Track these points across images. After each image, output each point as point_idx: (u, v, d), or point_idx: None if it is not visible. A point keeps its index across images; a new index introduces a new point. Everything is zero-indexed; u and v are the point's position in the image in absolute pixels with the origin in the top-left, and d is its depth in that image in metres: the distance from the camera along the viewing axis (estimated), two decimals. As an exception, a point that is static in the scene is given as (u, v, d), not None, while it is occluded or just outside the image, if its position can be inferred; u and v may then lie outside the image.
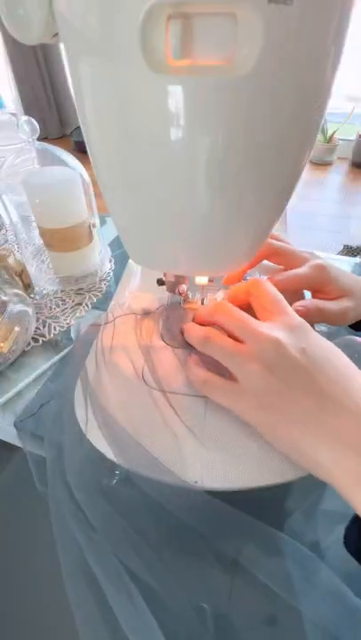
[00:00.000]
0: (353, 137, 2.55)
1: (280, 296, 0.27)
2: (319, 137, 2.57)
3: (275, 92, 0.17)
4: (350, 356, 0.24)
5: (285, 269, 0.36)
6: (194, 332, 0.28)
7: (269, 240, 0.36)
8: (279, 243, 0.36)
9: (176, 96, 0.17)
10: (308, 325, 0.25)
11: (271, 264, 0.40)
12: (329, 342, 0.25)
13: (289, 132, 0.19)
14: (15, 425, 0.31)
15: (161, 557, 0.23)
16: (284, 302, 0.27)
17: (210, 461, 0.24)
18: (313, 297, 0.34)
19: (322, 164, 2.65)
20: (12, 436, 0.31)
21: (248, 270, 0.39)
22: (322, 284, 0.32)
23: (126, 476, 0.24)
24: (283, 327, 0.25)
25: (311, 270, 0.32)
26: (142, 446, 0.24)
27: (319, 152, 2.61)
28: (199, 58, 0.16)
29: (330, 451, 0.21)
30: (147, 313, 0.35)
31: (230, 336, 0.26)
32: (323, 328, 0.35)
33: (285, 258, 0.35)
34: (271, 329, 0.24)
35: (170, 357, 0.31)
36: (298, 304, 0.31)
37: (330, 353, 0.24)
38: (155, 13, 0.15)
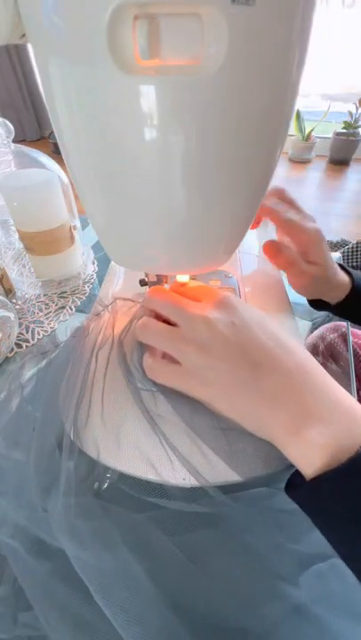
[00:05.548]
0: (330, 134, 2.61)
1: (197, 283, 0.31)
2: (297, 135, 2.61)
3: (243, 90, 0.18)
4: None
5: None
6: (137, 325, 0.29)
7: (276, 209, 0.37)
8: (286, 216, 0.37)
9: (146, 96, 0.17)
10: (234, 299, 0.27)
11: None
12: (257, 311, 0.27)
13: (260, 128, 0.20)
14: None
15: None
16: (204, 286, 0.30)
17: (197, 458, 0.24)
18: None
19: (301, 161, 2.69)
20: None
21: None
22: (310, 244, 0.37)
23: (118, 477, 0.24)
24: (211, 305, 0.26)
25: (312, 228, 0.37)
26: (129, 446, 0.24)
27: (298, 150, 2.66)
28: (167, 58, 0.16)
29: (268, 410, 0.22)
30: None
31: (167, 321, 0.27)
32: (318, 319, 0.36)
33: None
34: (201, 308, 0.26)
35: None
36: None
37: (258, 323, 0.25)
38: (121, 14, 0.15)
